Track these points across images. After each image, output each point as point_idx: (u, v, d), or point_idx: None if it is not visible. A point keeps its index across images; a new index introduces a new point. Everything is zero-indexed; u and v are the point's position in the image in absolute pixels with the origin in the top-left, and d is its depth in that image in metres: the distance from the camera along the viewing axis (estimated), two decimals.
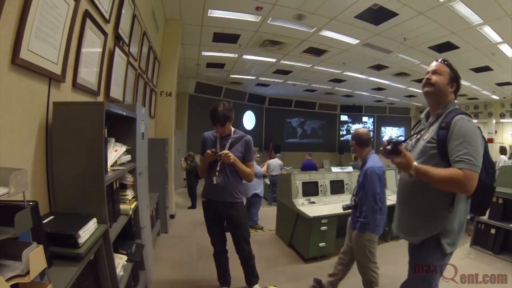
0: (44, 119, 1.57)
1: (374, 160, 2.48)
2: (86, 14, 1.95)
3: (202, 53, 7.12)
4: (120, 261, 1.92)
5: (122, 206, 2.09)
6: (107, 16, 2.35)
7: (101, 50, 2.32)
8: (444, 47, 5.85)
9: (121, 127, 2.23)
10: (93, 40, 2.14)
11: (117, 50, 2.67)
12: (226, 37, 5.98)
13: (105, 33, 2.34)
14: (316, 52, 6.85)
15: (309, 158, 8.14)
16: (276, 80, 10.24)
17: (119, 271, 1.81)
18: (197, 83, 10.28)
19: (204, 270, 3.17)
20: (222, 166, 2.40)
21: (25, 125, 1.43)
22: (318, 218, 3.47)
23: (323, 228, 3.51)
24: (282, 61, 7.75)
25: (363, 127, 15.11)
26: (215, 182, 2.40)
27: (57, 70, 1.65)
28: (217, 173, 2.39)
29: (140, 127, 2.57)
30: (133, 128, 2.32)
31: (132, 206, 2.19)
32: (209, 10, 4.87)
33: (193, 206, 6.23)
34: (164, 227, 4.45)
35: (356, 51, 6.61)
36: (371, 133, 14.19)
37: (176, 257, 3.59)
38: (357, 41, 6.04)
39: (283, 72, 8.95)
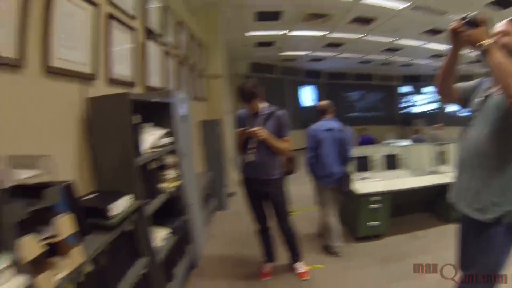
0: (82, 113, 1.92)
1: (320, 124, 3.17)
2: (109, 16, 2.24)
3: (245, 34, 7.23)
4: (161, 233, 2.25)
5: (163, 185, 2.40)
6: (133, 13, 2.63)
7: (132, 45, 2.62)
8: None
9: (161, 112, 2.55)
10: (121, 37, 2.44)
11: (149, 42, 2.96)
12: (268, 15, 5.96)
13: (133, 29, 2.63)
14: (364, 21, 6.46)
15: (364, 133, 7.83)
16: (329, 54, 9.88)
17: (159, 242, 2.14)
18: (250, 63, 10.49)
19: (255, 247, 3.27)
20: (255, 143, 2.46)
21: (67, 121, 1.79)
22: (368, 195, 3.33)
23: (374, 205, 3.34)
24: (331, 34, 7.50)
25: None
26: (249, 159, 2.49)
27: (88, 70, 1.98)
28: (250, 150, 2.47)
29: (179, 111, 2.87)
30: (170, 113, 2.62)
31: (173, 184, 2.51)
32: None
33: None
34: (221, 204, 4.86)
35: (406, 16, 5.99)
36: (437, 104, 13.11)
37: (230, 233, 3.88)
38: (405, 5, 5.47)
39: (334, 45, 8.63)
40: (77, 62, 1.87)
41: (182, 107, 3.00)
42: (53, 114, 1.67)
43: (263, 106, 2.52)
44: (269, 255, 2.88)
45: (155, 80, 3.15)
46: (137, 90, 2.75)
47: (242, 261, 3.19)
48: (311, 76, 12.90)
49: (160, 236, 2.24)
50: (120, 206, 1.68)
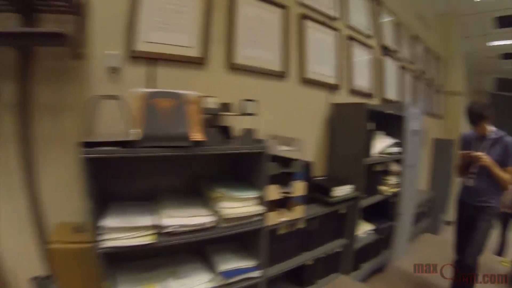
0: (327, 114, 2.56)
1: None
2: (349, 37, 2.76)
3: (487, 44, 5.92)
4: (366, 227, 2.55)
5: (382, 187, 2.69)
6: (369, 33, 3.03)
7: (369, 60, 3.03)
8: None
9: (394, 123, 2.82)
10: (360, 54, 2.90)
11: (385, 58, 3.25)
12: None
13: (370, 47, 3.03)
14: None
15: None
16: None
17: (361, 233, 2.44)
18: (496, 79, 8.35)
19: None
20: (476, 168, 2.33)
21: (315, 119, 2.48)
22: None
23: None
24: None
25: None
26: (468, 184, 2.40)
27: (333, 81, 2.59)
28: (470, 175, 2.37)
29: (411, 124, 3.02)
30: (402, 125, 2.83)
31: (391, 190, 2.74)
32: None
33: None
34: (433, 228, 4.44)
35: None
36: None
37: (428, 256, 3.52)
38: None
39: None
40: (325, 75, 2.52)
41: (414, 122, 3.10)
42: (306, 112, 2.39)
43: (490, 129, 2.34)
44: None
45: (391, 93, 3.42)
46: (374, 101, 3.15)
47: (421, 285, 2.91)
48: None
49: (364, 229, 2.54)
50: (341, 191, 2.14)
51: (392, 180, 2.77)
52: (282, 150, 1.76)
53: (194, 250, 1.71)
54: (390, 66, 3.37)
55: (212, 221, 1.42)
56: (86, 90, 1.58)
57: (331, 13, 2.59)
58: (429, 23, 4.85)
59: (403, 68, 3.66)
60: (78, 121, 1.56)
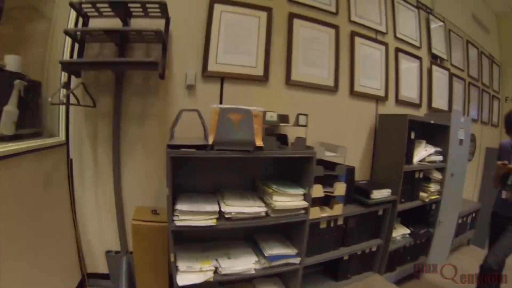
0: (373, 125, 2.78)
1: None
2: (397, 50, 2.91)
3: None
4: (402, 230, 2.73)
5: (421, 193, 2.83)
6: (417, 44, 3.15)
7: (417, 71, 3.15)
8: None
9: (439, 132, 2.96)
10: (408, 66, 3.04)
11: (435, 67, 3.33)
12: None
13: (418, 58, 3.14)
14: None
15: None
16: None
17: (395, 234, 2.63)
18: None
19: None
20: None
21: (362, 128, 2.73)
22: None
23: None
24: None
25: None
26: (504, 196, 2.35)
27: (381, 93, 2.79)
28: (507, 187, 2.31)
29: (457, 134, 3.12)
30: (446, 134, 2.94)
31: (431, 197, 2.87)
32: None
33: None
34: (479, 240, 4.39)
35: None
36: None
37: (466, 267, 3.54)
38: None
39: None
40: (373, 87, 2.74)
41: (460, 131, 3.18)
42: (354, 122, 2.65)
43: None
44: None
45: (440, 102, 3.50)
46: (422, 110, 3.27)
47: None
48: None
49: (400, 232, 2.72)
50: (379, 194, 2.37)
51: (433, 187, 2.89)
52: (328, 155, 2.06)
53: (245, 237, 2.08)
54: (439, 75, 3.44)
55: (264, 211, 1.76)
56: (167, 103, 2.03)
57: (380, 28, 2.79)
58: (486, 26, 4.73)
59: (453, 75, 3.70)
60: (158, 128, 2.02)
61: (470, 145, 4.16)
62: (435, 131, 2.94)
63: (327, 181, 2.00)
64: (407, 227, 2.84)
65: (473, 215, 4.19)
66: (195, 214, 1.61)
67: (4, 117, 1.50)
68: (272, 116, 1.76)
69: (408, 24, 3.13)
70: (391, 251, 2.64)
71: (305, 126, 1.83)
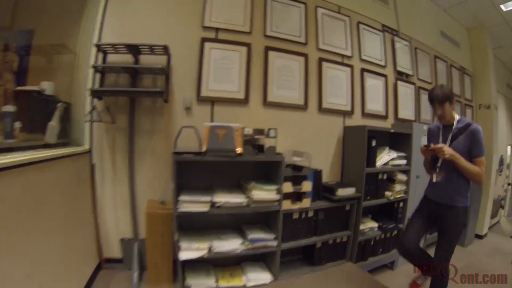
0: (341, 135, 3.43)
1: None
2: (362, 70, 3.61)
3: None
4: (370, 224, 3.33)
5: (386, 192, 3.44)
6: (382, 63, 3.85)
7: (383, 87, 3.83)
8: None
9: (403, 140, 3.61)
10: (373, 83, 3.72)
11: (400, 83, 4.02)
12: None
13: (384, 75, 3.83)
14: None
15: None
16: None
17: (363, 227, 3.23)
18: None
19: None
20: (443, 162, 2.26)
21: (331, 138, 3.38)
22: None
23: None
24: None
25: None
26: (434, 180, 2.33)
27: (347, 108, 3.45)
28: (437, 170, 2.30)
29: (420, 140, 3.75)
30: (409, 141, 3.59)
31: (396, 196, 3.46)
32: (500, 6, 4.69)
33: None
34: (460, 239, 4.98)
35: None
36: None
37: None
38: None
39: None
40: (339, 104, 3.41)
41: (423, 138, 3.80)
42: (324, 133, 3.31)
43: (455, 117, 2.29)
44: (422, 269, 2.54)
45: (407, 113, 4.17)
46: (389, 121, 3.94)
47: None
48: None
49: (369, 225, 3.32)
50: (344, 192, 2.99)
51: (398, 187, 3.50)
52: (296, 160, 2.72)
53: (234, 226, 2.72)
54: (405, 89, 4.12)
55: (245, 202, 2.41)
56: (170, 121, 2.72)
57: (345, 52, 3.49)
58: (456, 40, 5.45)
59: (420, 88, 4.37)
60: (163, 140, 2.70)
61: None
62: (401, 139, 3.60)
63: (297, 180, 2.65)
64: (377, 222, 3.45)
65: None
66: (193, 202, 2.28)
67: (49, 130, 2.18)
68: (248, 131, 2.44)
69: (373, 47, 3.84)
70: (362, 242, 3.25)
71: (274, 137, 2.51)
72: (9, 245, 1.38)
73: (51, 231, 1.87)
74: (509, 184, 7.16)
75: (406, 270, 3.70)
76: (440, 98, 2.20)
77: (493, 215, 6.49)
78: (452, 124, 2.28)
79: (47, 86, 2.27)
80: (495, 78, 5.73)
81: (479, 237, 5.42)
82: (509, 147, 7.81)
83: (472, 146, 2.16)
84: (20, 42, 2.41)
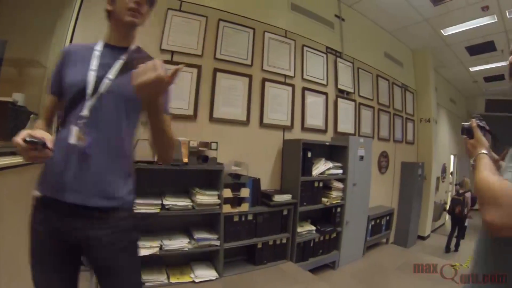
0: (281, 148, 4.18)
1: None
2: (304, 89, 4.42)
3: (470, 69, 7.63)
4: (307, 227, 4.08)
5: (323, 199, 4.22)
6: (324, 82, 4.70)
7: (324, 104, 4.65)
8: None
9: (341, 151, 4.44)
10: (314, 100, 4.54)
11: (341, 99, 4.88)
12: (479, 47, 6.37)
13: (324, 93, 4.67)
14: None
15: None
16: None
17: (302, 230, 3.97)
18: (487, 100, 9.94)
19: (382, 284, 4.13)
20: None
21: (272, 150, 4.13)
22: None
23: None
24: None
25: None
26: (72, 142, 1.24)
27: (287, 123, 4.22)
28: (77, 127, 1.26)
29: (357, 151, 4.59)
30: (346, 152, 4.43)
31: (332, 201, 4.25)
32: (441, 31, 5.83)
33: (446, 249, 6.42)
34: (401, 240, 5.92)
35: None
36: None
37: (376, 262, 4.91)
38: None
39: None
40: (280, 119, 4.17)
41: (359, 150, 4.65)
42: (265, 145, 4.05)
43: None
44: None
45: (346, 127, 5.03)
46: (329, 134, 4.77)
47: None
48: None
49: (307, 228, 4.07)
50: (281, 198, 3.72)
51: (334, 194, 4.29)
52: (235, 169, 3.41)
53: (183, 229, 3.34)
54: (345, 106, 4.98)
55: (191, 205, 3.07)
56: None
57: (288, 73, 4.28)
58: (400, 60, 6.51)
59: (361, 104, 5.24)
60: None
61: (383, 160, 5.74)
62: (338, 150, 4.43)
63: (237, 187, 3.34)
64: (315, 225, 4.19)
65: (387, 218, 5.69)
66: (146, 205, 2.89)
67: None
68: (193, 144, 3.09)
69: (316, 67, 4.67)
70: (301, 244, 3.97)
71: (216, 149, 3.18)
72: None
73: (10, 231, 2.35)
74: (456, 184, 8.25)
75: (346, 270, 4.55)
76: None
77: (436, 218, 7.58)
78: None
79: (18, 98, 2.62)
80: (435, 95, 6.83)
81: (422, 238, 6.47)
82: (452, 156, 9.04)
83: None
84: None
